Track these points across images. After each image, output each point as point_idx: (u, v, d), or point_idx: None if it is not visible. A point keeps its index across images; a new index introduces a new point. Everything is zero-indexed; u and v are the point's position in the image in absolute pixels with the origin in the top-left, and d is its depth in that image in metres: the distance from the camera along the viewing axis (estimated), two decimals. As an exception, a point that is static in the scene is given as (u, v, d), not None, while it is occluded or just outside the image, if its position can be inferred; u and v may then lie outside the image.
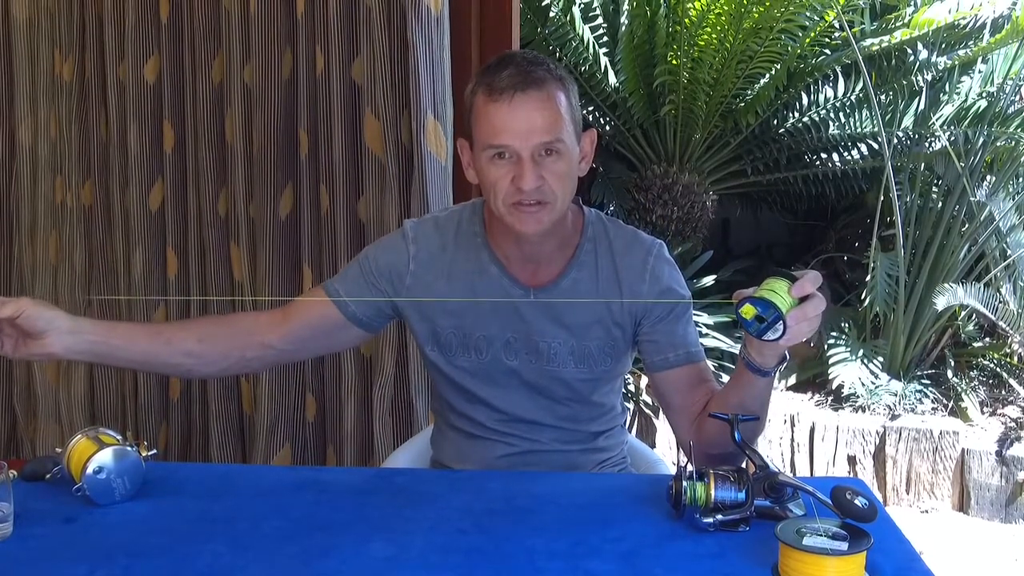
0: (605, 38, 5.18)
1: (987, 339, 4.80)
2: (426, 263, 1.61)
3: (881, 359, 4.50)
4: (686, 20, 4.74)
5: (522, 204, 1.48)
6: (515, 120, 1.45)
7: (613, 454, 1.74)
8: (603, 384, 1.66)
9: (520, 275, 1.60)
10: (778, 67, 4.85)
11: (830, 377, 4.38)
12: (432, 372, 1.70)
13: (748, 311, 1.30)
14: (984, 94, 5.05)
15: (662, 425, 4.11)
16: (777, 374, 1.40)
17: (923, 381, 4.43)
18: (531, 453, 1.66)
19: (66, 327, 1.47)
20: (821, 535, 1.15)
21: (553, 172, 1.48)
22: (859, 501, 1.18)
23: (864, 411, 4.27)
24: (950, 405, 4.33)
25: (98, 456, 1.40)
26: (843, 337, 4.59)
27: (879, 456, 4.07)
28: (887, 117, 4.97)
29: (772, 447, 4.13)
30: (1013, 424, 4.19)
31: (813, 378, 4.64)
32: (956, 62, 5.03)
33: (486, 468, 1.67)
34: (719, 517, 1.29)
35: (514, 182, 1.47)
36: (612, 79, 5.10)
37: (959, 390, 4.37)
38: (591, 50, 5.00)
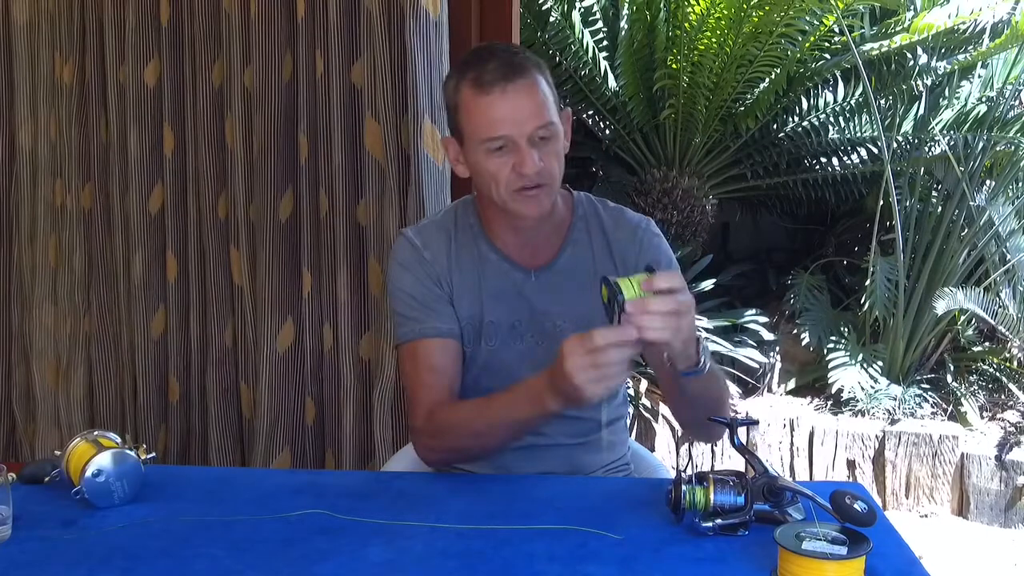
0: (605, 42, 5.19)
1: (987, 344, 4.80)
2: (440, 263, 1.64)
3: (880, 363, 4.50)
4: (686, 24, 4.75)
5: (525, 189, 1.52)
6: (510, 110, 1.49)
7: (617, 458, 1.75)
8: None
9: (519, 258, 1.64)
10: (778, 71, 4.85)
11: (829, 381, 4.38)
12: None
13: (604, 293, 1.33)
14: (984, 99, 5.05)
15: (662, 429, 4.11)
16: (706, 366, 1.41)
17: (922, 386, 4.43)
18: (537, 447, 1.66)
19: None
20: (820, 539, 1.15)
21: (549, 154, 1.53)
22: (858, 505, 1.18)
23: (863, 415, 4.27)
24: (949, 409, 4.33)
25: (97, 459, 1.40)
26: (842, 341, 4.59)
27: (878, 460, 4.07)
28: (887, 121, 4.97)
29: (772, 451, 4.13)
30: (1012, 429, 4.19)
31: (813, 382, 4.65)
32: (956, 67, 5.03)
33: (489, 463, 1.67)
34: (718, 521, 1.29)
35: (515, 169, 1.51)
36: (612, 83, 5.11)
37: (958, 395, 4.37)
38: (591, 54, 5.00)
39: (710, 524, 1.29)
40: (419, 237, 1.66)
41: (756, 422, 1.44)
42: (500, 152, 1.51)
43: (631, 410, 4.04)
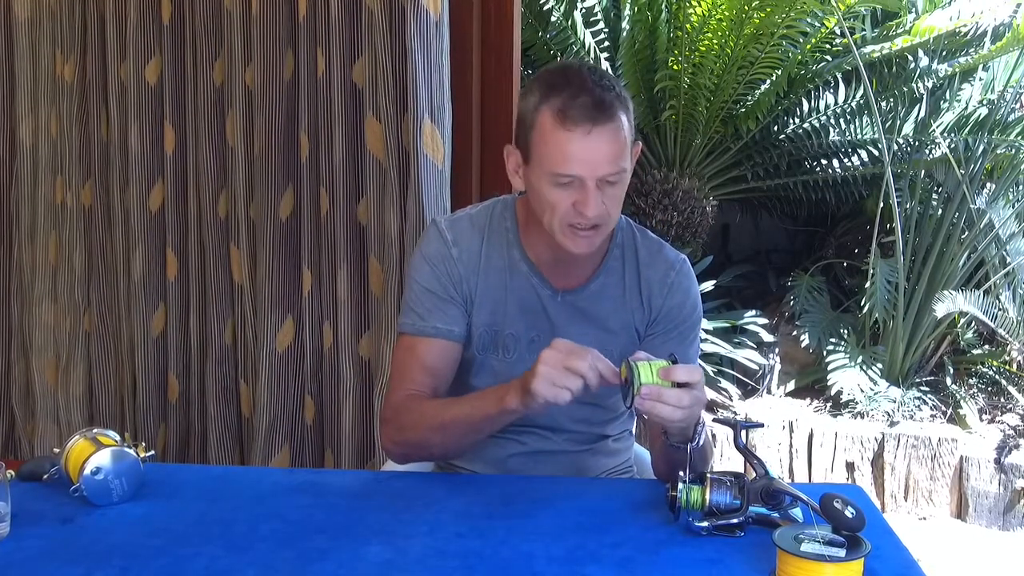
0: (606, 43, 5.18)
1: (986, 346, 4.79)
2: (468, 262, 1.62)
3: (880, 366, 4.50)
4: (687, 26, 4.74)
5: (579, 228, 1.50)
6: (587, 152, 1.45)
7: (620, 461, 1.75)
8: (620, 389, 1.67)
9: (549, 276, 1.62)
10: (779, 73, 4.85)
11: (829, 383, 4.38)
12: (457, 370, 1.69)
13: (623, 372, 1.35)
14: (984, 102, 5.05)
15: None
16: (698, 441, 1.41)
17: (922, 388, 4.43)
18: (542, 453, 1.67)
19: None
20: (819, 541, 1.15)
21: (612, 198, 1.50)
22: (848, 510, 1.18)
23: (863, 417, 4.27)
24: (949, 412, 4.32)
25: (96, 457, 1.40)
26: (842, 343, 4.59)
27: (877, 463, 4.07)
28: (887, 124, 4.96)
29: (770, 453, 4.12)
30: (1012, 431, 4.19)
31: (812, 384, 4.64)
32: (957, 69, 5.02)
33: (496, 466, 1.67)
34: (713, 521, 1.29)
35: (576, 206, 1.48)
36: (613, 84, 5.09)
37: (958, 397, 4.36)
38: (592, 55, 5.00)
39: (704, 524, 1.29)
40: (451, 231, 1.63)
41: (761, 425, 1.44)
42: (565, 186, 1.48)
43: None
